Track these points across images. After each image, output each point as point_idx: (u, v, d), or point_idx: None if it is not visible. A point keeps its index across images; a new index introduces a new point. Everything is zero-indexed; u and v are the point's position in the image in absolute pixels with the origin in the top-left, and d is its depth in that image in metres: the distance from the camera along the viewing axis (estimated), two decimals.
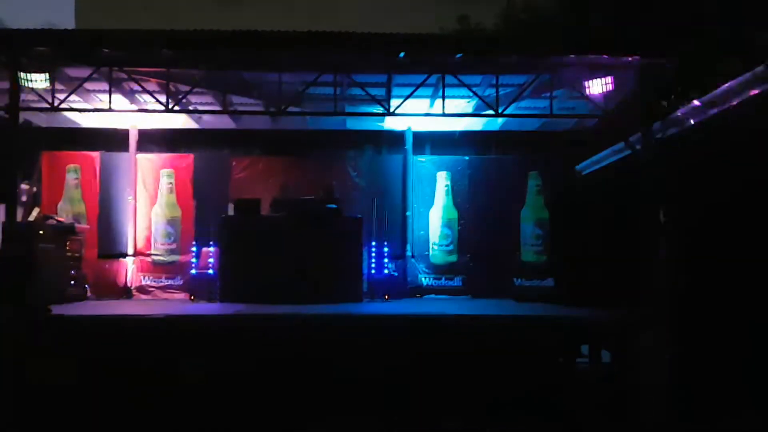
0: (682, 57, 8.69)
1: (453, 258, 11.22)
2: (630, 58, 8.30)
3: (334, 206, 9.76)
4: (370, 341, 7.36)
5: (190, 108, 10.28)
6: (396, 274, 10.65)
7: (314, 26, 8.85)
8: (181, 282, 10.80)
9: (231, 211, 10.21)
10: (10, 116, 8.60)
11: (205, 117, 10.74)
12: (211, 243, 10.26)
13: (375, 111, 9.59)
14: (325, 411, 6.96)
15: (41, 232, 9.21)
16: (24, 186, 10.52)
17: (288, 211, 9.70)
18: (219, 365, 7.18)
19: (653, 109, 8.81)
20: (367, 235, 10.32)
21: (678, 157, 8.13)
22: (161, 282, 10.89)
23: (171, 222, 11.07)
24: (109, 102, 9.11)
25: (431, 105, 10.20)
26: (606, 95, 8.90)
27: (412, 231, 11.14)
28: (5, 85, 8.70)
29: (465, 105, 10.10)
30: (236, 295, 9.16)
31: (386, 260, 10.50)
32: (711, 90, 7.35)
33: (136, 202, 10.99)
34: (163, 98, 9.09)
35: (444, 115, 9.26)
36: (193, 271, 10.24)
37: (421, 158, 11.39)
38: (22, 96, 8.77)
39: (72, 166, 11.06)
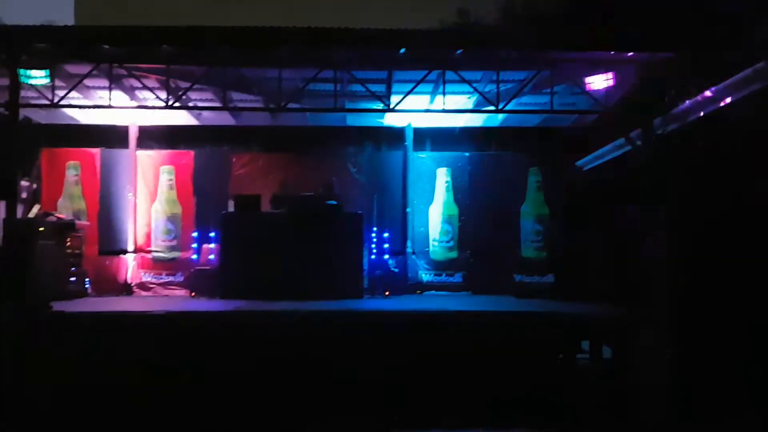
0: (682, 53, 8.67)
1: (453, 254, 11.22)
2: (630, 54, 8.29)
3: (334, 202, 9.76)
4: (370, 338, 7.36)
5: (190, 105, 10.27)
6: (396, 270, 10.65)
7: (314, 23, 8.81)
8: (181, 278, 10.80)
9: (231, 208, 10.21)
10: (10, 113, 8.59)
11: (205, 114, 10.73)
12: (211, 239, 10.26)
13: (375, 107, 9.58)
14: (325, 409, 6.96)
15: (41, 229, 9.21)
16: (24, 183, 10.52)
17: (288, 207, 9.70)
18: (219, 362, 7.18)
19: (653, 105, 8.80)
20: (367, 232, 10.32)
21: (678, 153, 8.12)
22: (161, 279, 10.89)
23: (171, 219, 11.08)
24: (109, 99, 9.10)
25: (431, 101, 10.18)
26: (606, 91, 8.88)
27: (413, 227, 11.13)
28: (5, 81, 8.68)
29: (465, 101, 10.09)
30: (236, 292, 9.16)
31: (387, 256, 10.50)
32: (711, 86, 7.34)
33: (136, 198, 10.98)
34: (163, 95, 9.08)
35: (444, 111, 9.24)
36: (194, 268, 10.24)
37: (421, 154, 11.38)
38: (22, 93, 8.75)
39: (72, 162, 11.06)
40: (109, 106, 9.29)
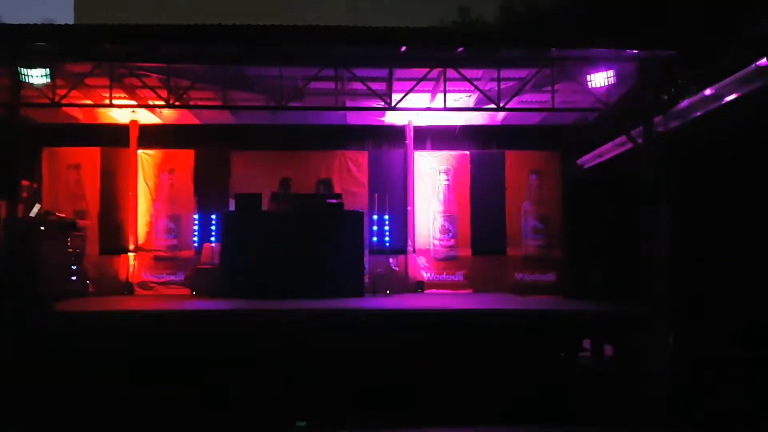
0: (683, 49, 8.66)
1: (454, 252, 11.22)
2: (631, 51, 8.27)
3: (334, 201, 9.76)
4: (371, 336, 7.37)
5: (191, 103, 10.25)
6: (397, 269, 10.66)
7: (314, 22, 8.82)
8: (182, 277, 10.80)
9: (232, 207, 10.21)
10: (10, 112, 8.59)
11: (206, 112, 10.72)
12: (212, 238, 10.26)
13: (376, 106, 9.57)
14: (325, 408, 6.96)
15: (42, 228, 9.23)
16: (25, 182, 10.51)
17: (289, 205, 9.70)
18: (219, 361, 7.19)
19: (655, 102, 8.79)
20: (368, 230, 10.32)
21: (679, 151, 8.12)
22: (162, 278, 10.89)
23: (172, 218, 11.08)
24: (110, 97, 9.09)
25: (432, 99, 10.17)
26: (607, 89, 8.87)
27: (414, 226, 11.13)
28: (5, 81, 8.67)
29: (466, 99, 10.08)
30: (237, 291, 9.16)
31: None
32: (713, 82, 7.32)
33: (137, 197, 10.98)
34: (164, 94, 9.07)
35: (445, 109, 9.24)
36: (194, 267, 10.24)
37: (422, 153, 11.37)
38: (23, 92, 8.74)
39: (73, 162, 11.06)
40: (110, 105, 9.28)
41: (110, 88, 9.05)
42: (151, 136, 11.07)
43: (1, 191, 8.95)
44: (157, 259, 10.95)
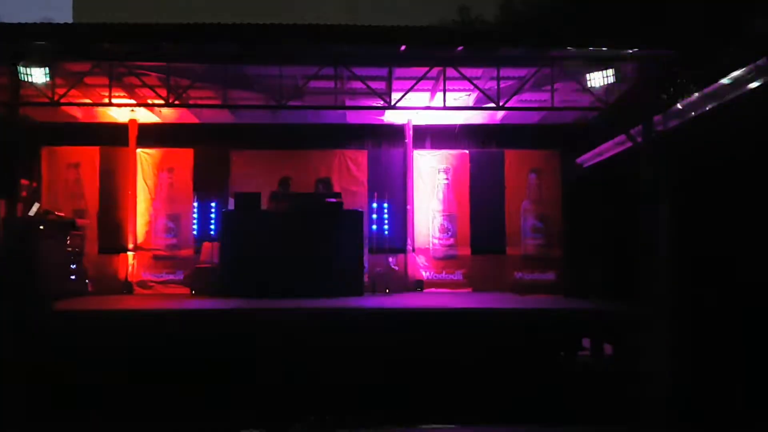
0: (683, 49, 8.66)
1: (453, 251, 11.22)
2: (631, 50, 8.28)
3: (334, 200, 9.76)
4: (371, 335, 7.37)
5: (190, 102, 10.25)
6: (396, 268, 10.66)
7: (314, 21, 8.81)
8: (181, 277, 10.80)
9: (231, 206, 10.20)
10: (9, 111, 8.59)
11: (205, 111, 10.71)
12: (211, 237, 10.25)
13: (375, 105, 9.57)
14: (325, 408, 6.96)
15: (42, 227, 9.22)
16: (24, 181, 10.50)
17: (288, 205, 9.70)
18: (219, 360, 7.19)
19: (654, 101, 8.79)
20: (368, 229, 10.32)
21: (679, 150, 8.12)
22: (162, 277, 10.88)
23: (171, 217, 11.07)
24: (109, 96, 9.09)
25: (432, 98, 10.17)
26: (607, 88, 8.87)
27: (413, 225, 11.13)
28: (4, 80, 8.67)
29: (466, 98, 10.08)
30: (237, 290, 9.16)
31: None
32: (712, 82, 7.33)
33: (136, 197, 10.98)
34: (163, 93, 9.06)
35: (445, 108, 9.23)
36: (194, 266, 10.23)
37: (422, 152, 11.37)
38: (22, 91, 8.74)
39: (72, 161, 11.05)
40: (110, 104, 9.27)
41: (109, 87, 9.05)
42: (150, 135, 11.06)
43: (1, 190, 8.94)
44: (156, 258, 10.95)
